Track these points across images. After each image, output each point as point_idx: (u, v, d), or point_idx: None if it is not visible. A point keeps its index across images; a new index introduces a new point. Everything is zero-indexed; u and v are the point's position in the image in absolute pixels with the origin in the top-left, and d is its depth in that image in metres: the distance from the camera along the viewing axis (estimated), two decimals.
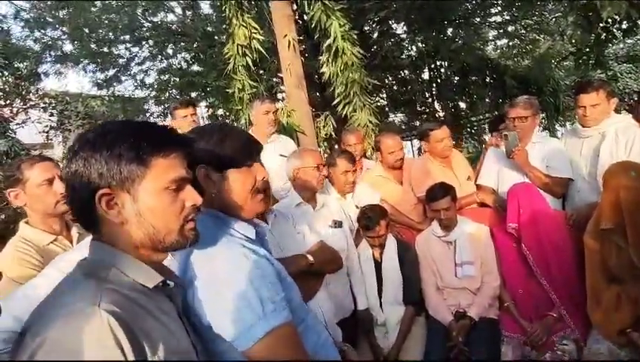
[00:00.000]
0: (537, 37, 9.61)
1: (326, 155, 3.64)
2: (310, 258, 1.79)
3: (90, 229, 0.82)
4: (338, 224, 2.24)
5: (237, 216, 1.04)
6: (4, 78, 6.85)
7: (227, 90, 4.83)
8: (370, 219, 2.30)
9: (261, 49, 4.32)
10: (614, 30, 5.06)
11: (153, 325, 0.75)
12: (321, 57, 4.33)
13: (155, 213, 0.79)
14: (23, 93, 7.21)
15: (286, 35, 4.04)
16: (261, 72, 5.60)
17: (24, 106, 7.41)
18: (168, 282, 0.83)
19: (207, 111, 9.51)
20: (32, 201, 1.64)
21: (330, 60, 4.15)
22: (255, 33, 4.26)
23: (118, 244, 0.80)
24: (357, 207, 2.50)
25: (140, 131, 0.80)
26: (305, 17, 5.20)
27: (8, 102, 6.97)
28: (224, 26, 4.64)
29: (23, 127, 7.15)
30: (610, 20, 4.83)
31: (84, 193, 0.77)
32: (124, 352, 0.67)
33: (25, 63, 7.82)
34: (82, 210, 0.80)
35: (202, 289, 0.93)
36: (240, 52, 4.24)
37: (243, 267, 0.93)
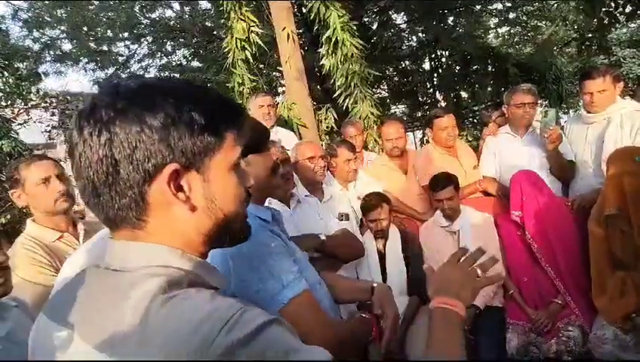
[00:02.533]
0: (539, 23, 9.50)
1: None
2: (322, 237, 1.78)
3: (124, 225, 0.58)
4: (345, 216, 2.25)
5: (257, 200, 1.10)
6: (4, 79, 6.85)
7: (227, 85, 4.82)
8: (371, 201, 2.32)
9: (260, 42, 4.30)
10: (617, 14, 4.98)
11: None
12: (320, 49, 4.31)
13: (227, 197, 0.62)
14: (24, 93, 7.22)
15: (285, 28, 4.02)
16: (261, 66, 5.57)
17: (25, 107, 7.42)
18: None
19: None
20: (33, 201, 1.65)
21: (329, 52, 4.13)
22: (254, 27, 4.24)
23: (169, 243, 0.59)
24: (359, 198, 2.50)
25: (208, 96, 0.62)
26: (304, 9, 5.16)
27: (9, 102, 6.97)
28: (223, 21, 4.60)
29: (25, 127, 7.17)
30: (613, 4, 4.77)
31: (134, 174, 0.55)
32: None
33: (24, 63, 7.82)
34: (121, 195, 0.56)
35: (226, 272, 0.95)
36: (239, 46, 4.22)
37: (262, 241, 0.99)
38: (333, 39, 4.02)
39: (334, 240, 1.82)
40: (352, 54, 4.07)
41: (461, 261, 0.91)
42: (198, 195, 0.59)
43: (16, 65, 7.39)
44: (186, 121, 0.56)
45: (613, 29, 6.24)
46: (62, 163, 1.82)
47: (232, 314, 0.51)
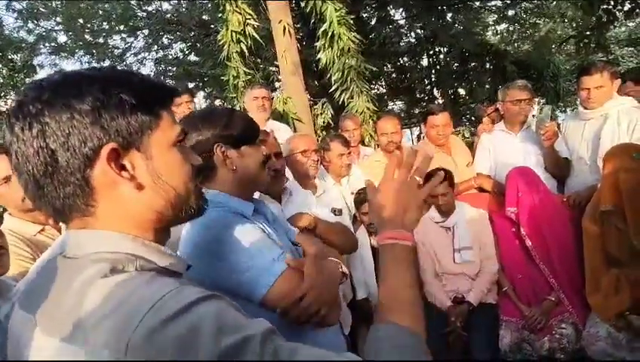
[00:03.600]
0: (537, 21, 9.48)
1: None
2: (312, 215, 1.75)
3: (74, 214, 0.58)
4: (338, 211, 2.22)
5: (245, 192, 1.11)
6: None
7: (222, 78, 4.77)
8: (364, 193, 2.30)
9: (256, 35, 4.25)
10: (616, 12, 4.97)
11: None
12: (317, 44, 4.27)
13: (173, 171, 0.63)
14: (18, 85, 7.15)
15: (281, 21, 3.97)
16: (257, 60, 5.52)
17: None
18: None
19: (206, 101, 9.44)
20: (1, 201, 1.57)
21: (326, 46, 4.09)
22: (249, 19, 4.19)
23: (119, 227, 0.59)
24: (353, 193, 2.47)
25: (134, 78, 0.63)
26: (301, 3, 5.11)
27: (3, 94, 6.90)
28: (220, 15, 4.55)
29: None
30: (612, 2, 4.75)
31: (73, 160, 0.55)
32: None
33: (19, 55, 7.74)
34: (65, 187, 0.56)
35: (204, 257, 0.94)
36: (234, 39, 4.17)
37: (238, 226, 0.99)
38: (330, 33, 3.98)
39: (328, 226, 1.79)
40: (349, 48, 4.04)
41: (397, 175, 0.81)
42: (143, 173, 0.60)
43: (10, 57, 7.33)
44: (115, 102, 0.57)
45: (611, 27, 6.23)
46: None
47: (162, 294, 0.50)
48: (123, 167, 0.58)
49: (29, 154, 0.55)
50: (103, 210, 0.59)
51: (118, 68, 0.67)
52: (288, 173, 2.26)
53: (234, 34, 4.16)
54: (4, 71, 6.85)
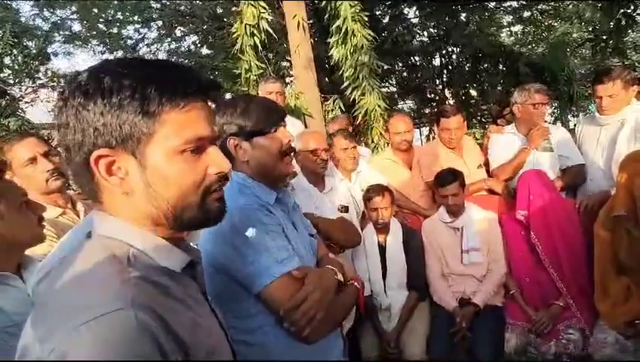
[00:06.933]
0: (554, 23, 9.34)
1: None
2: (315, 214, 1.76)
3: (94, 199, 0.64)
4: (344, 209, 2.23)
5: (266, 182, 1.10)
6: (12, 57, 6.85)
7: (234, 71, 4.78)
8: (374, 190, 2.31)
9: (270, 29, 4.24)
10: (635, 16, 4.88)
11: (187, 317, 0.60)
12: (330, 40, 4.25)
13: (169, 183, 0.61)
14: (32, 72, 7.22)
15: (295, 16, 3.97)
16: (270, 54, 5.52)
17: (33, 85, 7.43)
18: (194, 260, 0.69)
19: None
20: (24, 182, 1.59)
21: (339, 42, 4.08)
22: (264, 13, 4.18)
23: (127, 217, 0.63)
24: (362, 191, 2.47)
25: (147, 73, 0.60)
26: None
27: (17, 80, 6.98)
28: (233, 8, 4.56)
29: (32, 105, 7.18)
30: (632, 6, 4.67)
31: (78, 154, 0.60)
32: (166, 356, 0.53)
33: (34, 42, 7.81)
34: (79, 175, 0.62)
35: (219, 241, 0.98)
36: (248, 32, 4.17)
37: (260, 219, 1.01)
38: (344, 29, 3.97)
39: (329, 223, 1.80)
40: (362, 45, 4.02)
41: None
42: (135, 179, 0.61)
43: (25, 44, 7.39)
44: (114, 104, 0.58)
45: (629, 32, 6.12)
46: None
47: (101, 312, 0.51)
48: (115, 171, 0.60)
49: (61, 145, 0.63)
50: (108, 202, 0.63)
51: (146, 58, 0.68)
52: (297, 168, 2.27)
53: (248, 27, 4.16)
54: (19, 58, 6.92)
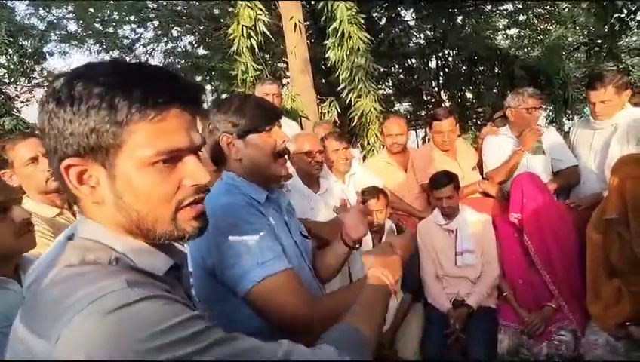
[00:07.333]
0: (549, 27, 9.41)
1: None
2: (308, 218, 1.77)
3: (74, 203, 0.65)
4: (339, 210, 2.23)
5: (258, 181, 1.09)
6: (8, 56, 6.81)
7: (230, 73, 4.79)
8: (369, 192, 2.32)
9: (266, 31, 4.25)
10: (629, 21, 4.93)
11: None
12: (326, 42, 4.27)
13: (138, 195, 0.59)
14: (28, 71, 7.18)
15: (292, 17, 3.98)
16: (266, 56, 5.53)
17: (29, 85, 7.39)
18: (178, 263, 0.68)
19: (212, 95, 9.45)
20: (24, 181, 1.62)
21: (336, 44, 4.09)
22: (260, 14, 4.19)
23: (101, 223, 0.62)
24: (357, 193, 2.48)
25: (119, 78, 0.57)
26: (312, 1, 5.11)
27: (13, 80, 6.94)
28: (230, 8, 4.57)
29: (27, 105, 7.14)
30: (625, 10, 4.72)
31: (54, 160, 0.59)
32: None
33: (29, 41, 7.77)
34: (59, 180, 0.61)
35: (204, 240, 0.94)
36: (245, 33, 4.18)
37: (244, 218, 0.99)
38: (340, 31, 3.99)
39: (322, 226, 1.81)
40: (359, 48, 4.04)
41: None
42: (105, 190, 0.60)
43: (20, 43, 7.35)
44: (82, 113, 0.56)
45: (623, 36, 6.18)
46: None
47: (105, 292, 0.50)
48: (91, 177, 0.59)
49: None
50: (84, 208, 0.63)
51: (122, 61, 0.67)
52: (292, 169, 2.28)
53: (245, 29, 4.17)
54: (14, 57, 6.88)
